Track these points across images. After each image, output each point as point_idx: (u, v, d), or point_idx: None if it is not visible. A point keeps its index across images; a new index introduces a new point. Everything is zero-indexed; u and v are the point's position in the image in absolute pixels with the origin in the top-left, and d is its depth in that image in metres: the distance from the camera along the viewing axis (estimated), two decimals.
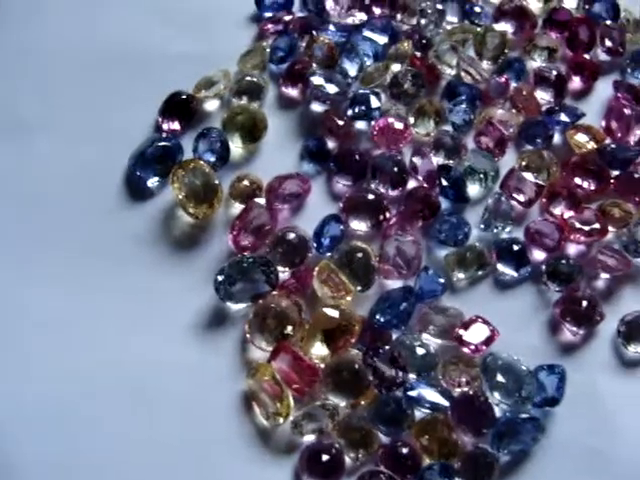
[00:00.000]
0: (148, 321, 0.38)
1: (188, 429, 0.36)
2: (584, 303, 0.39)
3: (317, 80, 0.42)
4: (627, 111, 0.43)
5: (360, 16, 0.44)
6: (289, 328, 0.38)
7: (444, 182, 0.40)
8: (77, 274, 0.39)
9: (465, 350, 0.38)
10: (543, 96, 0.44)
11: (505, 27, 0.45)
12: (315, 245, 0.39)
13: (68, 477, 0.36)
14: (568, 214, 0.41)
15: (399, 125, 0.42)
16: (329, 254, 0.39)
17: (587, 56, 0.45)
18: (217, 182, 0.40)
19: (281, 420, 0.36)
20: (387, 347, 0.38)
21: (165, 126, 0.41)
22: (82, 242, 0.39)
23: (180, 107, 0.42)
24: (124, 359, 0.37)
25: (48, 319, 0.38)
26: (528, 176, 0.41)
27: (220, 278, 0.38)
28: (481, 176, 0.41)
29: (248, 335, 0.38)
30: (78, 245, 0.39)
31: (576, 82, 0.44)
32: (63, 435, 0.36)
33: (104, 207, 0.40)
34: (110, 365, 0.37)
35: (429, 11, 0.44)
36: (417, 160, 0.41)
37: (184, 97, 0.42)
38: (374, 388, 0.37)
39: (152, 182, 0.41)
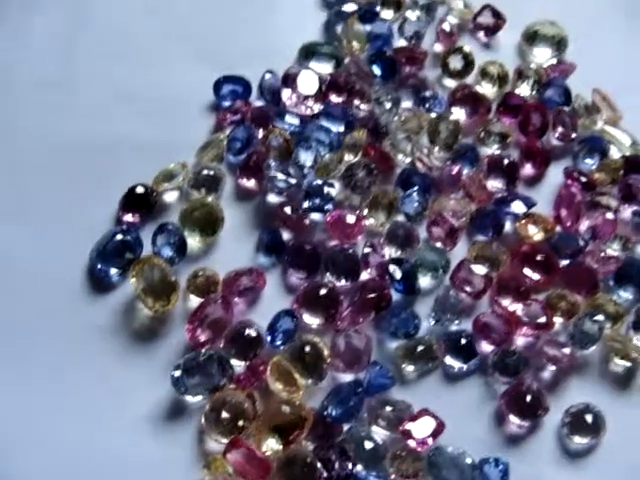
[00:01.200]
0: (107, 413, 0.40)
1: None
2: (529, 396, 0.41)
3: (272, 172, 0.44)
4: (577, 199, 0.45)
5: (316, 106, 0.46)
6: (243, 421, 0.40)
7: (395, 275, 0.43)
8: (38, 365, 0.41)
9: (412, 444, 0.41)
10: (495, 184, 0.46)
11: (459, 113, 0.47)
12: (269, 340, 0.42)
13: None
14: (515, 307, 0.43)
15: (352, 217, 0.44)
16: (282, 347, 0.42)
17: (540, 142, 0.46)
18: (174, 279, 0.42)
19: None
20: (337, 440, 0.41)
21: (125, 219, 0.44)
22: (44, 334, 0.42)
23: (140, 200, 0.44)
24: (83, 452, 0.39)
25: (7, 411, 0.40)
26: (477, 268, 0.43)
27: (176, 374, 0.40)
28: (432, 269, 0.43)
29: (204, 428, 0.40)
30: (40, 337, 0.42)
31: (528, 168, 0.46)
32: None
33: (67, 299, 0.43)
34: (69, 458, 0.39)
35: (383, 98, 0.46)
36: (369, 253, 0.43)
37: (143, 190, 0.44)
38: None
39: (113, 275, 0.43)
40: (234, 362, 0.41)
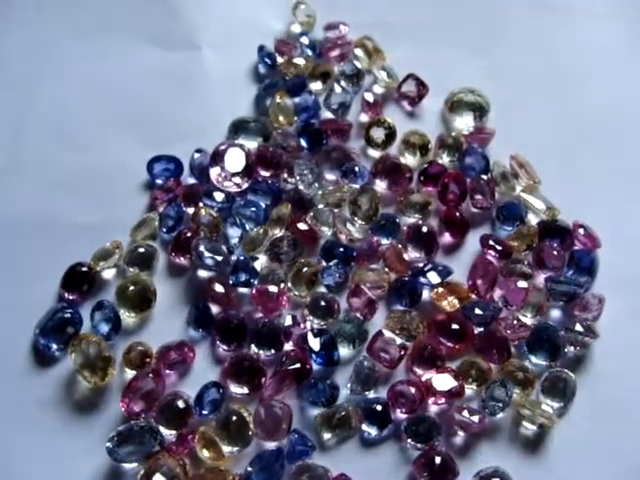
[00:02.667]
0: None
1: None
2: (439, 461, 0.44)
3: (201, 250, 0.48)
4: (492, 267, 0.48)
5: (243, 183, 0.50)
6: None
7: (314, 347, 0.46)
8: None
9: None
10: (414, 253, 0.49)
11: (381, 184, 0.51)
12: (197, 410, 0.45)
13: None
14: (429, 375, 0.46)
15: (275, 290, 0.47)
16: (210, 417, 0.46)
17: (458, 210, 0.49)
18: (109, 354, 0.47)
19: None
20: None
21: (66, 296, 0.48)
22: None
23: (79, 278, 0.48)
24: None
25: None
26: (393, 338, 0.47)
27: (109, 445, 0.44)
28: (350, 340, 0.47)
29: None
30: None
31: (447, 237, 0.50)
32: None
33: (11, 372, 0.46)
34: None
35: (306, 172, 0.50)
36: (290, 325, 0.47)
37: (83, 269, 0.48)
38: None
39: (55, 350, 0.47)
40: (165, 431, 0.46)
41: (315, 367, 0.47)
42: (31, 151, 0.53)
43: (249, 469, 0.45)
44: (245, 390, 0.46)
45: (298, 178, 0.50)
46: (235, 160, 0.50)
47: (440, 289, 0.47)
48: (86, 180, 0.52)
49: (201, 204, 0.50)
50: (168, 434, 0.46)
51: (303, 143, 0.52)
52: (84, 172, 0.52)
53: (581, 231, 0.49)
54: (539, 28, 0.57)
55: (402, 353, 0.46)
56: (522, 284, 0.47)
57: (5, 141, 0.53)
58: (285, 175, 0.51)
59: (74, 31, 0.56)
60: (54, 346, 0.47)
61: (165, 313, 0.48)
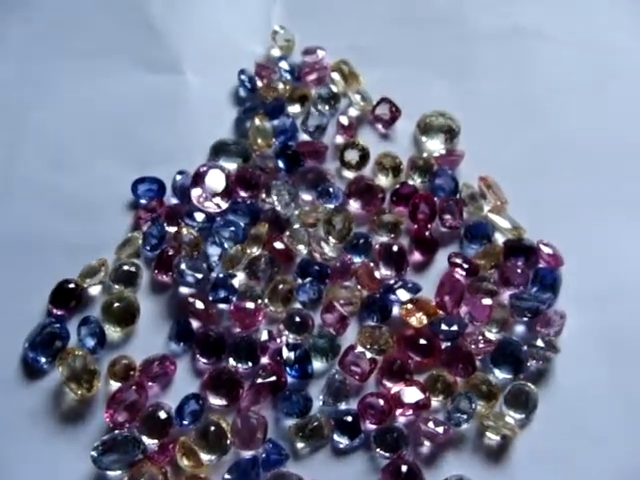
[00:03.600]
0: None
1: None
2: (406, 469, 0.47)
3: (182, 268, 0.51)
4: (459, 284, 0.51)
5: (222, 202, 0.53)
6: None
7: (289, 361, 0.49)
8: None
9: None
10: (385, 271, 0.52)
11: (355, 204, 0.54)
12: (177, 421, 0.48)
13: None
14: (397, 388, 0.49)
15: (252, 306, 0.50)
16: (190, 426, 0.49)
17: (428, 230, 0.52)
18: (94, 367, 0.50)
19: None
20: None
21: (54, 311, 0.51)
22: None
23: (67, 294, 0.52)
24: None
25: None
26: (364, 353, 0.49)
27: (94, 454, 0.48)
28: (323, 354, 0.49)
29: None
30: None
31: (417, 255, 0.53)
32: None
33: (1, 384, 0.49)
34: None
35: (283, 193, 0.53)
36: (266, 340, 0.50)
37: (70, 286, 0.51)
38: None
39: (43, 363, 0.50)
40: (148, 440, 0.49)
41: (290, 380, 0.50)
42: (22, 174, 0.55)
43: (227, 477, 0.48)
44: (223, 402, 0.49)
45: (275, 198, 0.53)
46: (215, 181, 0.53)
47: (409, 305, 0.50)
48: (74, 201, 0.55)
49: (183, 224, 0.53)
50: (150, 443, 0.49)
51: (281, 165, 0.54)
52: (72, 194, 0.55)
53: (545, 250, 0.52)
54: (508, 53, 0.59)
55: (372, 367, 0.50)
56: (487, 301, 0.50)
57: None
58: (263, 195, 0.54)
59: (63, 56, 0.59)
60: (42, 359, 0.50)
61: (148, 328, 0.52)
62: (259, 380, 0.49)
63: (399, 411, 0.49)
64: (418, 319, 0.50)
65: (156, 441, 0.49)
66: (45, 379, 0.50)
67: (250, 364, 0.50)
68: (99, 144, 0.56)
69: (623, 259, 0.52)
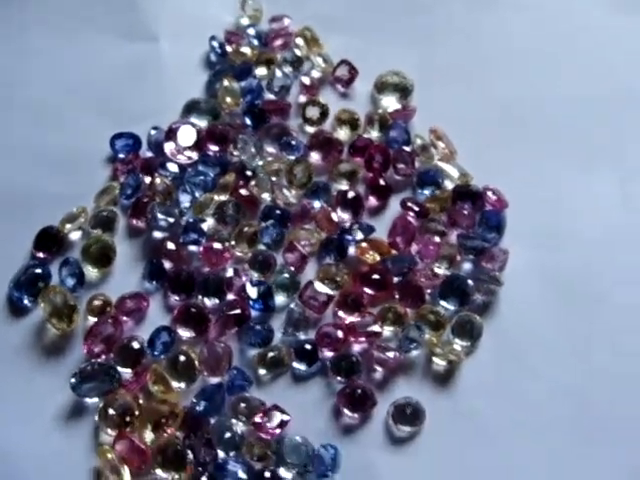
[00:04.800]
0: (21, 414, 0.52)
1: None
2: (360, 393, 0.52)
3: (156, 213, 0.56)
4: (411, 226, 0.56)
5: (193, 155, 0.58)
6: (129, 417, 0.52)
7: (252, 295, 0.54)
8: None
9: (263, 434, 0.51)
10: (343, 215, 0.57)
11: (315, 156, 0.59)
12: (149, 351, 0.53)
13: None
14: (352, 318, 0.53)
15: (220, 247, 0.55)
16: (162, 356, 0.53)
17: (382, 178, 0.58)
18: (74, 303, 0.55)
19: None
20: (204, 431, 0.51)
21: (37, 255, 0.57)
22: None
23: (49, 239, 0.57)
24: (4, 448, 0.50)
25: None
26: (321, 287, 0.54)
27: (73, 380, 0.53)
28: (285, 289, 0.54)
29: (98, 424, 0.52)
30: None
31: (372, 201, 0.58)
32: None
33: None
34: None
35: (249, 146, 0.58)
36: (232, 277, 0.55)
37: (52, 231, 0.57)
38: (192, 465, 0.51)
39: (27, 301, 0.56)
40: (122, 369, 0.54)
41: (253, 313, 0.55)
42: (7, 133, 0.60)
43: (194, 401, 0.53)
44: (192, 334, 0.54)
45: (242, 151, 0.59)
46: (187, 136, 0.58)
47: (364, 244, 0.56)
48: (56, 156, 0.60)
49: (157, 174, 0.58)
50: (124, 372, 0.53)
51: (248, 121, 0.60)
52: (55, 150, 0.60)
53: (490, 194, 0.57)
54: (462, 20, 0.65)
55: (329, 300, 0.55)
56: (435, 239, 0.55)
57: None
58: (231, 149, 0.59)
59: (43, 25, 0.64)
60: (26, 298, 0.55)
61: (124, 269, 0.57)
62: (225, 313, 0.54)
63: (353, 339, 0.53)
64: (372, 256, 0.55)
65: (130, 370, 0.54)
66: (28, 317, 0.55)
67: (217, 300, 0.55)
68: (79, 105, 0.61)
69: (562, 203, 0.58)
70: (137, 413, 0.52)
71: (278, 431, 0.51)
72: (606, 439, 0.51)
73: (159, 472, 0.51)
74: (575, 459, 0.51)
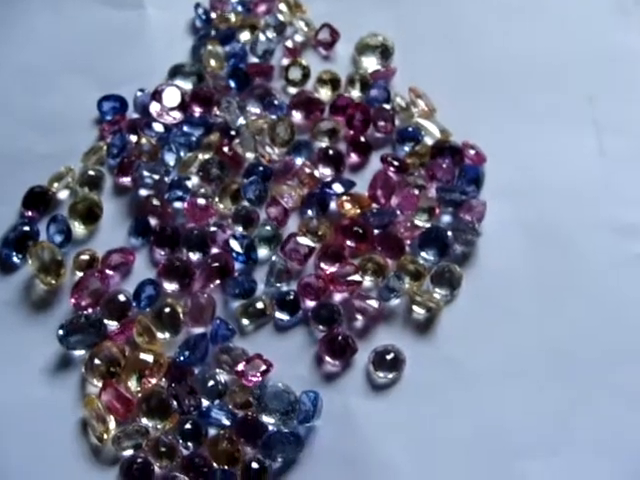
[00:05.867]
0: (11, 369, 0.54)
1: (39, 448, 0.52)
2: (340, 340, 0.53)
3: (141, 171, 0.58)
4: (390, 180, 0.58)
5: (178, 116, 0.60)
6: (115, 368, 0.53)
7: (235, 248, 0.56)
8: None
9: (246, 382, 0.52)
10: (325, 171, 0.59)
11: (297, 115, 0.61)
12: (135, 303, 0.55)
13: None
14: (333, 269, 0.55)
15: (204, 203, 0.57)
16: (147, 309, 0.55)
17: (363, 135, 0.60)
18: (61, 258, 0.57)
19: (105, 439, 0.52)
20: (188, 380, 0.53)
21: (26, 214, 0.58)
22: None
23: (37, 198, 0.59)
24: None
25: None
26: (302, 240, 0.56)
27: (60, 332, 0.55)
28: (267, 242, 0.56)
29: (84, 375, 0.54)
30: None
31: (354, 157, 0.60)
32: None
33: None
34: None
35: (233, 107, 0.60)
36: (216, 231, 0.57)
37: (40, 190, 0.59)
38: (177, 413, 0.52)
39: (16, 258, 0.57)
40: (109, 322, 0.55)
41: (237, 266, 0.57)
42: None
43: (178, 351, 0.54)
44: (177, 287, 0.56)
45: (226, 111, 0.60)
46: (172, 97, 0.60)
47: (344, 198, 0.57)
48: (44, 119, 0.62)
49: (142, 134, 0.60)
50: (110, 325, 0.55)
51: (232, 84, 0.62)
52: (43, 112, 0.62)
53: (469, 150, 0.59)
54: None
55: (310, 252, 0.56)
56: (414, 192, 0.57)
57: None
58: (215, 111, 0.61)
59: None
60: (14, 255, 0.57)
61: (110, 226, 0.59)
62: (209, 265, 0.56)
63: (335, 289, 0.55)
64: (352, 209, 0.57)
65: (116, 323, 0.55)
66: (17, 273, 0.57)
67: (201, 254, 0.56)
68: (67, 69, 0.64)
69: (538, 157, 0.60)
70: (122, 364, 0.54)
71: (260, 379, 0.53)
72: (581, 382, 0.52)
73: (144, 420, 0.52)
74: (551, 402, 0.52)
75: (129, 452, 0.52)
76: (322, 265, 0.56)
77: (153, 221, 0.58)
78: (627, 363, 0.53)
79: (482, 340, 0.54)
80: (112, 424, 0.52)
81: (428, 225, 0.57)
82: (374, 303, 0.54)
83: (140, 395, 0.53)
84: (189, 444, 0.51)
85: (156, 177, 0.58)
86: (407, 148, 0.59)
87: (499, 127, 0.60)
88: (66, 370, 0.54)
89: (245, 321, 0.55)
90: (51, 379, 0.54)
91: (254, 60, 0.64)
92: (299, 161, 0.59)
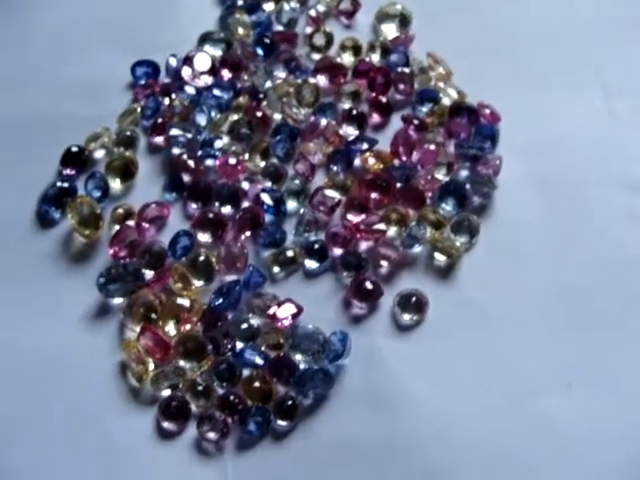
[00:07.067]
0: (52, 317, 0.57)
1: (80, 391, 0.55)
2: (367, 284, 0.57)
3: (175, 131, 0.62)
4: (411, 138, 0.62)
5: (209, 80, 0.64)
6: (152, 314, 0.57)
7: (266, 201, 0.59)
8: None
9: (278, 324, 0.56)
10: (349, 130, 0.63)
11: (321, 78, 0.65)
12: (171, 253, 0.58)
13: None
14: (358, 219, 0.59)
15: (234, 161, 0.61)
16: (182, 259, 0.59)
17: (384, 97, 0.64)
18: (99, 212, 0.61)
19: (144, 379, 0.55)
20: (222, 324, 0.56)
21: (64, 172, 0.62)
22: (3, 258, 0.59)
23: (75, 157, 0.63)
24: (30, 345, 0.56)
25: None
26: (329, 193, 0.60)
27: (101, 280, 0.58)
28: (296, 196, 0.60)
29: (123, 321, 0.57)
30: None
31: (376, 118, 0.64)
32: None
33: (21, 232, 0.60)
34: (17, 347, 0.56)
35: (260, 71, 0.64)
36: (247, 186, 0.60)
37: (77, 149, 0.63)
38: (212, 354, 0.55)
39: (56, 214, 0.61)
40: (145, 271, 0.59)
41: (267, 219, 0.60)
42: (33, 64, 0.67)
43: (213, 296, 0.58)
44: (210, 238, 0.60)
45: (254, 76, 0.64)
46: (202, 62, 0.64)
47: (368, 154, 0.61)
48: (80, 85, 0.66)
49: (175, 97, 0.64)
50: (147, 274, 0.59)
51: (259, 51, 0.66)
52: (78, 79, 0.66)
53: (485, 109, 0.63)
54: None
55: (337, 204, 0.60)
56: (433, 147, 0.61)
57: (12, 55, 0.67)
58: (244, 76, 0.65)
59: None
60: (54, 211, 0.61)
61: (145, 182, 0.62)
62: (240, 218, 0.59)
63: (361, 237, 0.58)
64: (376, 164, 0.61)
65: (152, 272, 0.59)
66: (56, 228, 0.61)
67: (233, 208, 0.60)
68: (101, 37, 0.68)
69: (551, 117, 0.64)
70: (159, 310, 0.57)
71: (292, 321, 0.57)
72: (595, 321, 0.56)
73: (181, 362, 0.56)
74: (567, 341, 0.56)
75: (167, 392, 0.55)
76: (348, 216, 0.59)
77: (186, 178, 0.62)
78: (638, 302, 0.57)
79: (500, 284, 0.58)
80: (151, 366, 0.56)
81: (447, 179, 0.61)
82: (398, 250, 0.58)
83: (177, 339, 0.57)
84: (224, 384, 0.55)
85: (188, 136, 0.62)
86: (426, 109, 0.63)
87: (512, 90, 0.65)
88: (104, 318, 0.58)
89: (276, 269, 0.59)
90: (90, 326, 0.57)
91: (279, 28, 0.68)
92: (324, 121, 0.63)
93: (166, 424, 0.55)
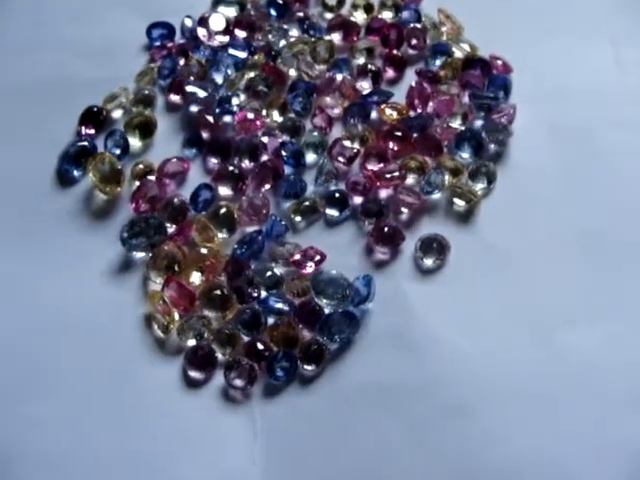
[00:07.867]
0: (76, 272, 0.58)
1: (106, 342, 0.56)
2: (389, 229, 0.58)
3: (192, 89, 0.64)
4: (425, 90, 0.63)
5: (224, 39, 0.65)
6: (175, 266, 0.58)
7: (286, 154, 0.61)
8: (21, 241, 0.59)
9: (302, 270, 0.56)
10: (364, 85, 0.65)
11: (335, 36, 0.67)
12: (192, 206, 0.59)
13: None
14: (378, 167, 0.60)
15: (253, 116, 0.62)
16: (203, 212, 0.59)
17: (397, 52, 0.66)
18: (120, 168, 0.62)
19: (170, 330, 0.56)
20: (246, 273, 0.57)
21: (83, 132, 0.63)
22: (26, 215, 0.60)
23: (93, 117, 0.64)
24: (53, 299, 0.57)
25: None
26: (347, 143, 0.61)
27: (124, 235, 0.59)
28: (314, 148, 0.61)
29: (147, 274, 0.58)
30: (24, 217, 0.60)
31: (390, 72, 0.66)
32: None
33: (42, 191, 0.61)
34: (39, 305, 0.56)
35: (275, 30, 0.66)
36: (266, 140, 0.62)
37: (96, 109, 0.64)
38: (237, 303, 0.56)
39: (76, 172, 0.62)
40: (167, 225, 0.59)
41: (287, 171, 0.62)
42: (49, 29, 0.68)
43: (236, 246, 0.59)
44: (230, 191, 0.61)
45: (269, 34, 0.66)
46: (217, 22, 0.66)
47: (384, 105, 0.63)
48: (97, 47, 0.68)
49: (191, 56, 0.65)
50: (169, 227, 0.60)
51: (272, 12, 0.68)
52: (95, 41, 0.68)
53: (497, 61, 0.65)
54: None
55: (355, 155, 0.61)
56: (447, 97, 0.63)
57: (30, 20, 0.69)
58: (258, 36, 0.67)
59: None
60: (74, 169, 0.62)
61: (164, 139, 0.64)
62: (261, 170, 0.60)
63: (381, 185, 0.59)
64: (391, 115, 0.62)
65: (174, 225, 0.60)
66: (77, 186, 0.62)
67: (252, 162, 0.61)
68: (117, 1, 0.69)
69: (560, 68, 0.66)
70: (183, 262, 0.58)
71: (315, 268, 0.58)
72: (611, 258, 0.58)
73: (206, 312, 0.57)
74: (585, 278, 0.57)
75: (192, 342, 0.56)
76: (367, 166, 0.61)
77: (205, 134, 0.63)
78: None
79: (518, 226, 0.59)
80: (176, 316, 0.57)
81: (462, 128, 0.62)
82: (418, 197, 0.59)
83: (202, 289, 0.57)
84: (249, 331, 0.56)
85: (206, 94, 0.63)
86: (439, 62, 0.65)
87: (522, 42, 0.67)
88: (127, 271, 0.58)
89: (297, 218, 0.60)
90: (113, 280, 0.58)
91: None
92: (339, 77, 0.64)
93: (193, 373, 0.55)
